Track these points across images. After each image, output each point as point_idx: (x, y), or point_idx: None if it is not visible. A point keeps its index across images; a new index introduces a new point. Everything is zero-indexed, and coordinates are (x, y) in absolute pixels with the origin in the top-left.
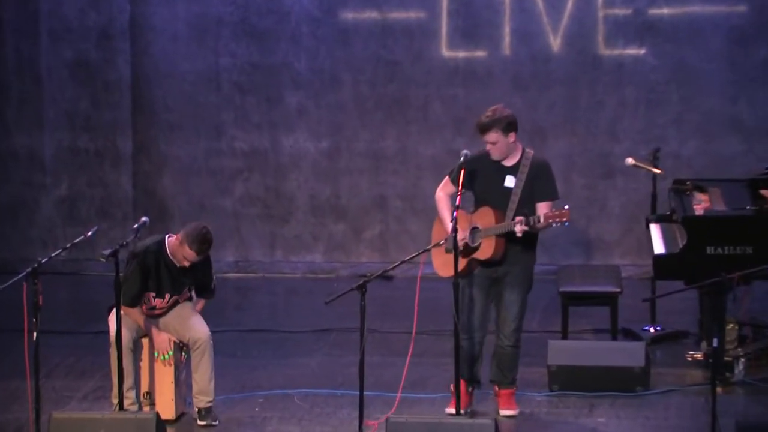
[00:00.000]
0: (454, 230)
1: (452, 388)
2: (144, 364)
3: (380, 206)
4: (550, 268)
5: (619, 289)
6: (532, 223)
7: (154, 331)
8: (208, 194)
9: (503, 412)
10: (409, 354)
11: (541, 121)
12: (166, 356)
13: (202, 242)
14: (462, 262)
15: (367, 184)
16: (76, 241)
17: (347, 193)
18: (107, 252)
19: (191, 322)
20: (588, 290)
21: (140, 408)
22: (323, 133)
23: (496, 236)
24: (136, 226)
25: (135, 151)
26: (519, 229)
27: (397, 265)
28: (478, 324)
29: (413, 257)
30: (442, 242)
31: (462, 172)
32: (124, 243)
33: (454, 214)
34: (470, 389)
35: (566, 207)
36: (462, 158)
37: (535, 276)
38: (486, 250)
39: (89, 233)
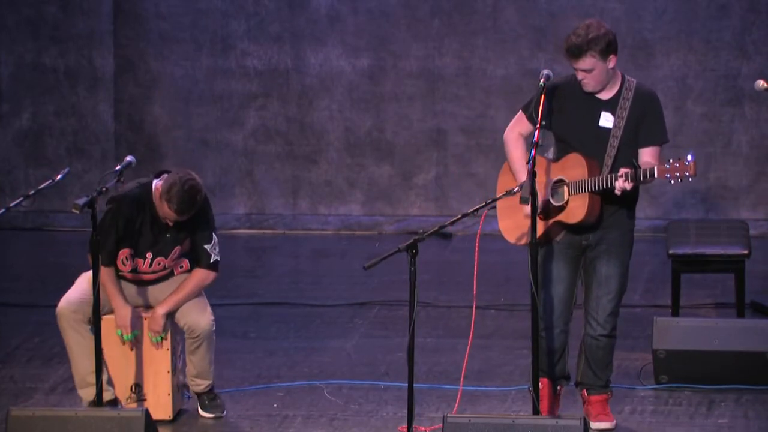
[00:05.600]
0: (532, 173)
1: (530, 389)
2: (125, 348)
3: (436, 143)
4: (657, 224)
5: (746, 251)
6: (641, 177)
7: (119, 302)
8: (211, 127)
9: (596, 425)
10: (471, 335)
11: (647, 32)
12: (128, 337)
13: (182, 200)
14: (540, 226)
15: (419, 114)
16: (41, 187)
17: (394, 126)
18: (82, 201)
19: (189, 306)
20: (706, 252)
21: (116, 402)
22: (362, 47)
23: (590, 193)
24: (118, 167)
25: (117, 70)
26: (620, 185)
27: (458, 219)
28: (562, 309)
29: (479, 209)
30: (516, 189)
31: (542, 99)
32: (103, 189)
33: (532, 153)
34: (558, 389)
35: (690, 157)
36: (542, 80)
37: (634, 236)
38: (576, 210)
39: (58, 177)
